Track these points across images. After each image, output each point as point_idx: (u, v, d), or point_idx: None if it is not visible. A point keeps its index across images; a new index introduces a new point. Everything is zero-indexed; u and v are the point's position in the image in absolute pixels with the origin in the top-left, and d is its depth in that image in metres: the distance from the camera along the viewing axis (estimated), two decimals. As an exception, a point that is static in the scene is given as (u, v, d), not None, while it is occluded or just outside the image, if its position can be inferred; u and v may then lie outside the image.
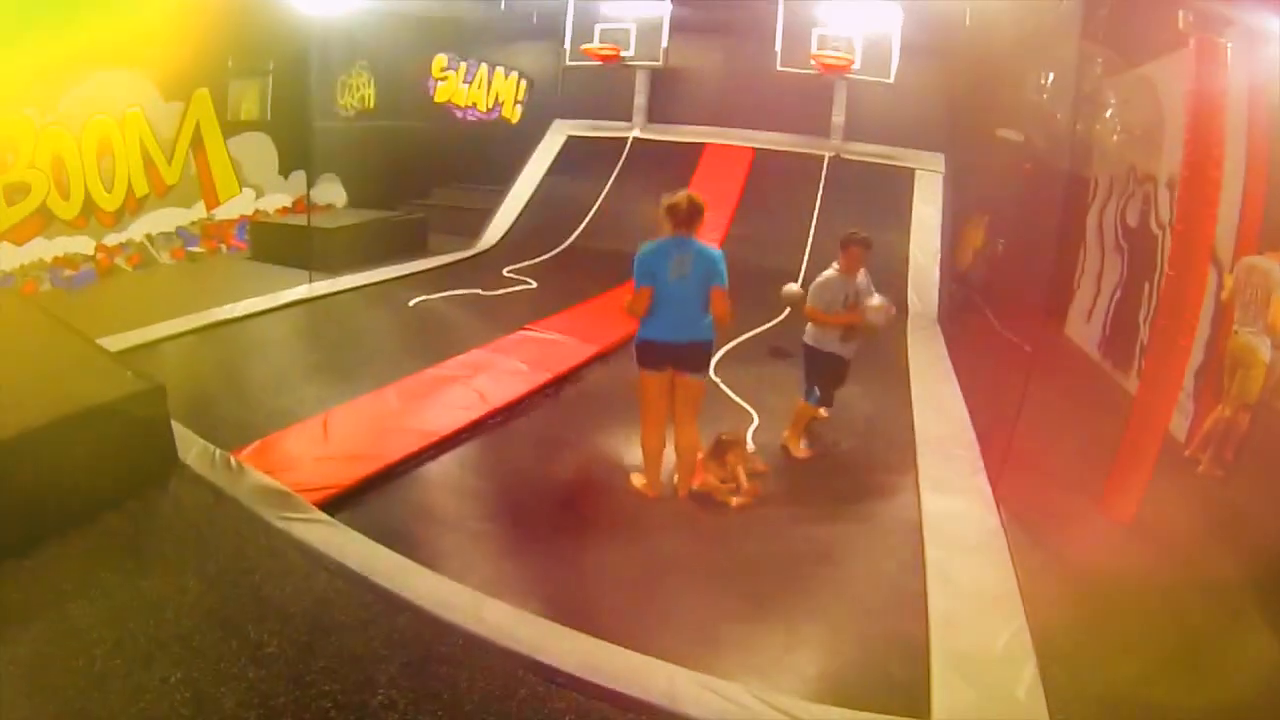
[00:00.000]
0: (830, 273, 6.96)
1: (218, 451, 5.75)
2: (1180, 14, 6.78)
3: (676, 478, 6.46)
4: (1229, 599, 5.33)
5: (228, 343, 8.91)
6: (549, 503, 6.07)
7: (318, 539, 4.75)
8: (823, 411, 7.41)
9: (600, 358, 9.05)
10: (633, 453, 6.70)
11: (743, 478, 6.39)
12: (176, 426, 5.78)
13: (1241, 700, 4.37)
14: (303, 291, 10.93)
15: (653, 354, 6.25)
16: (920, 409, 8.31)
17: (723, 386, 8.51)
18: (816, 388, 7.20)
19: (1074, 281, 12.70)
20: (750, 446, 7.14)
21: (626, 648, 4.12)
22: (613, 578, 5.07)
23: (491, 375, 8.00)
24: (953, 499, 6.26)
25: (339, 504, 5.38)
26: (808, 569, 5.27)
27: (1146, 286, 9.62)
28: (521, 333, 9.61)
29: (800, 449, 7.23)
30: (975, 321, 12.90)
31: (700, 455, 6.40)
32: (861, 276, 7.10)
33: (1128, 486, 6.30)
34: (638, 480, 6.49)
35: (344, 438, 6.32)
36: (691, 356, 6.25)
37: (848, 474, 6.88)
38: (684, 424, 6.40)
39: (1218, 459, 7.22)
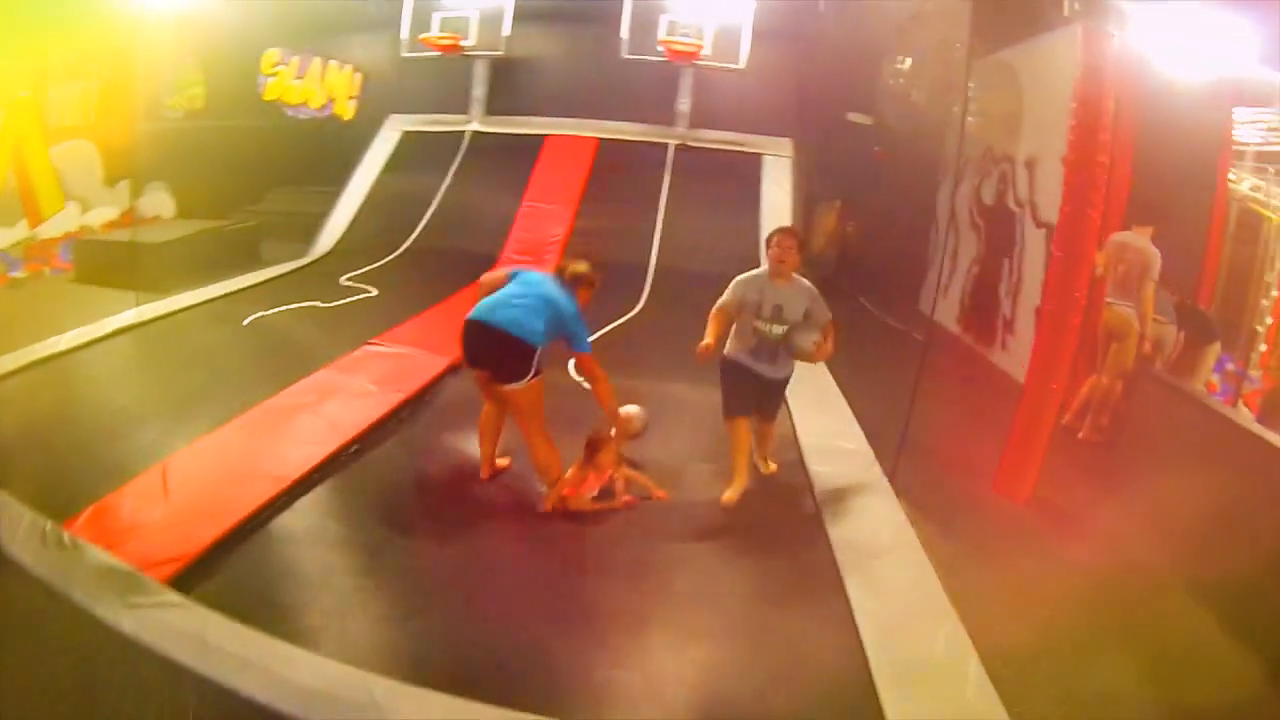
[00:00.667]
0: (757, 271, 6.30)
1: (47, 526, 5.02)
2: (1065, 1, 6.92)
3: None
4: (1144, 569, 5.50)
5: (50, 384, 8.02)
6: (422, 541, 5.64)
7: (175, 632, 4.12)
8: (768, 466, 6.91)
9: (453, 369, 8.53)
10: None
11: (620, 484, 6.18)
12: (-1, 496, 5.17)
13: (1175, 670, 4.62)
14: (130, 316, 10.04)
15: (466, 341, 6.02)
16: (796, 404, 7.98)
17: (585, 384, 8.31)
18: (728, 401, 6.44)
19: (926, 258, 13.11)
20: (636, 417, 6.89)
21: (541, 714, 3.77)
22: (506, 625, 4.69)
23: (341, 399, 7.49)
24: (853, 498, 6.16)
25: (191, 577, 4.75)
26: (717, 596, 5.03)
27: (1006, 262, 10.01)
28: (367, 348, 9.10)
29: (768, 466, 6.92)
30: (833, 306, 12.70)
31: (573, 468, 6.10)
32: (799, 290, 6.17)
33: (1023, 466, 6.51)
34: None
35: (188, 491, 5.66)
36: (503, 353, 5.90)
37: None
38: (526, 440, 6.17)
39: (1095, 425, 7.79)
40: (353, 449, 6.68)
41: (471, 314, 6.02)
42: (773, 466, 6.92)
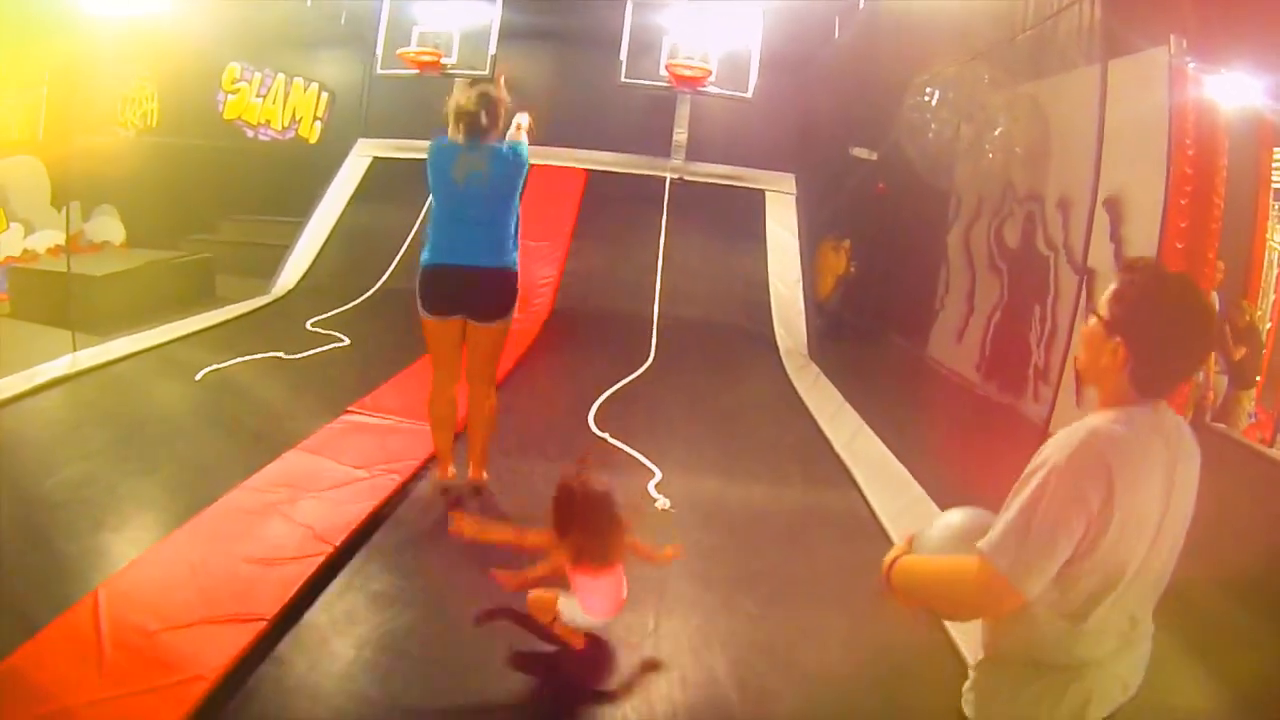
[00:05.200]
0: None
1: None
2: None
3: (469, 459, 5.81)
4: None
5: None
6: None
7: None
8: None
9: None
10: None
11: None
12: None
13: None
14: (65, 364, 8.55)
15: (434, 289, 5.52)
16: (864, 482, 7.27)
17: (611, 440, 7.58)
18: None
19: (935, 301, 13.08)
20: (665, 503, 6.16)
21: None
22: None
23: (319, 493, 5.91)
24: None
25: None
26: None
27: (1037, 308, 9.75)
28: (345, 417, 7.62)
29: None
30: (849, 353, 12.58)
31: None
32: None
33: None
34: (434, 475, 5.90)
35: (128, 642, 4.05)
36: (486, 292, 5.51)
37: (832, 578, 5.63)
38: (477, 383, 5.75)
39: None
40: (340, 563, 5.15)
41: (436, 260, 5.48)
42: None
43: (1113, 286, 2.40)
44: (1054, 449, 2.27)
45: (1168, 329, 2.29)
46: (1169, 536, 2.37)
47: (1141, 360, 2.29)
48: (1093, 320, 2.42)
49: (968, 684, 2.68)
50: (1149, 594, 2.44)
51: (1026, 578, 2.17)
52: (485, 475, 5.90)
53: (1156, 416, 2.34)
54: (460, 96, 5.53)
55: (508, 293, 5.52)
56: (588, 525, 4.22)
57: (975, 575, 2.23)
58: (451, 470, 5.87)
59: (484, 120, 5.33)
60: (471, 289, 5.44)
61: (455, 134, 5.49)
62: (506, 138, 5.69)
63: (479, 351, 5.64)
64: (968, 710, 2.64)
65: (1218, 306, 7.30)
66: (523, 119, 6.04)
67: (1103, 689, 2.44)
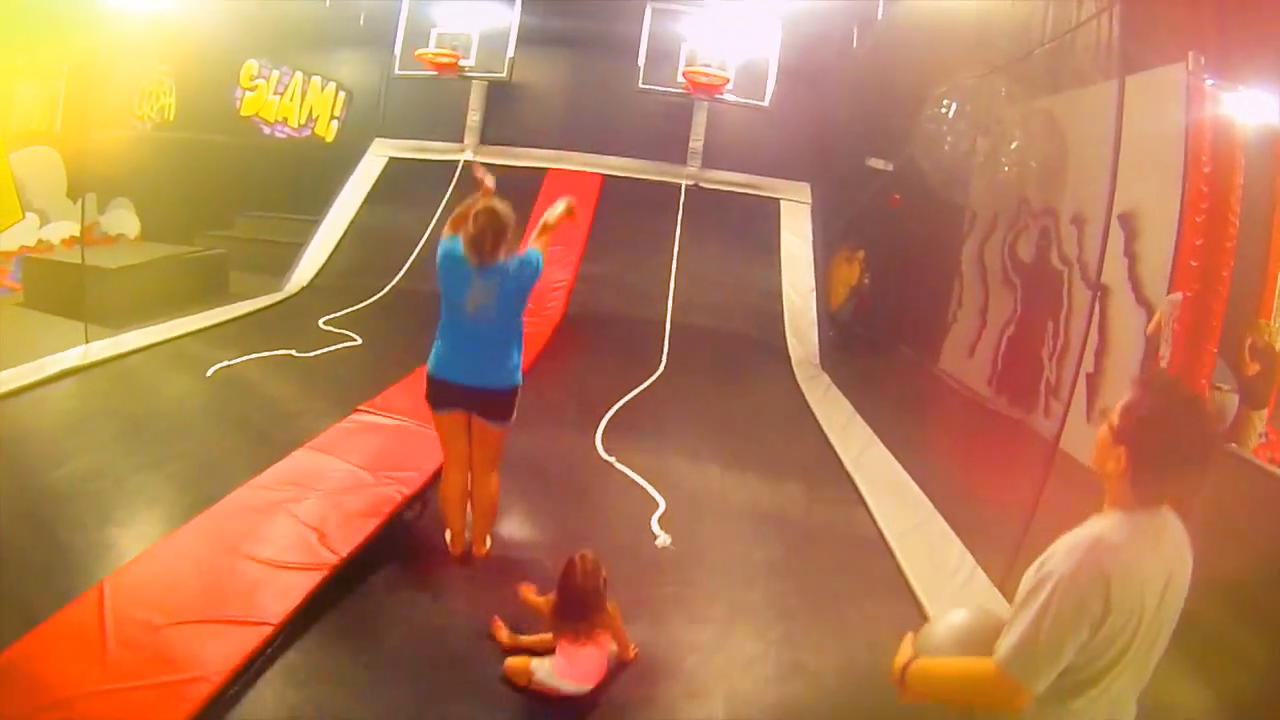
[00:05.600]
0: None
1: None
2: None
3: (471, 535, 5.74)
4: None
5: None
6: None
7: None
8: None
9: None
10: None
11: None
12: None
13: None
14: (77, 355, 8.59)
15: (440, 395, 5.49)
16: (872, 498, 7.19)
17: (619, 465, 7.30)
18: None
19: (949, 314, 12.98)
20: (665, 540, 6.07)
21: None
22: None
23: (326, 495, 5.88)
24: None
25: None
26: None
27: (1050, 324, 9.67)
28: (355, 416, 7.60)
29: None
30: (860, 364, 12.45)
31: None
32: None
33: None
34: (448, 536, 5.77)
35: (132, 637, 4.06)
36: (491, 404, 5.45)
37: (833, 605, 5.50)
38: (479, 469, 5.66)
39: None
40: (345, 572, 5.08)
41: (447, 376, 5.41)
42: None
43: (1126, 397, 2.51)
44: (1059, 559, 2.39)
45: (1167, 449, 2.40)
46: (1158, 632, 2.49)
47: (1141, 471, 2.41)
48: (1104, 427, 2.53)
49: None
50: (1133, 686, 2.55)
51: (1037, 679, 2.36)
52: (487, 548, 5.86)
53: (1158, 521, 2.46)
54: (467, 211, 5.33)
55: (508, 405, 5.52)
56: (577, 599, 4.44)
57: (992, 682, 2.41)
58: (459, 547, 5.81)
59: (490, 245, 5.16)
60: (475, 401, 5.45)
61: (465, 249, 5.27)
62: (541, 222, 5.64)
63: (481, 443, 5.61)
64: None
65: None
66: (554, 212, 5.99)
67: None
